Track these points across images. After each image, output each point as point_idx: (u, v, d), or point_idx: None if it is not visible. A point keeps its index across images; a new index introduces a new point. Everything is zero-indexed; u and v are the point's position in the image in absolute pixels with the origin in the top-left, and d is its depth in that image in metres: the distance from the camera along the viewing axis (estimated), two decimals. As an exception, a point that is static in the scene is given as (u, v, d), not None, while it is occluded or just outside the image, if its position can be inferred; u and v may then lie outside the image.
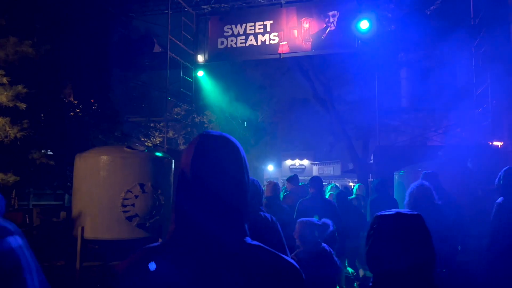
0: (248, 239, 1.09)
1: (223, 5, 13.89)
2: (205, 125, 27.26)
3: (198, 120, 21.78)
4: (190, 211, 1.07)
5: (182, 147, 20.69)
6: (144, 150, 7.14)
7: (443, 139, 10.64)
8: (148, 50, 13.05)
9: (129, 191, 6.44)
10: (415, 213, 1.61)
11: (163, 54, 12.80)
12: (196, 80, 14.61)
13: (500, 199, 3.67)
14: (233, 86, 17.55)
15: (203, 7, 14.07)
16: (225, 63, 15.58)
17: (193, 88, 14.40)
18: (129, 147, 7.05)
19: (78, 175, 6.83)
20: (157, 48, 13.07)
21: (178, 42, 13.17)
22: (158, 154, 7.41)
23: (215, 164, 1.09)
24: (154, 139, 19.62)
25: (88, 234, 6.45)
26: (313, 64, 16.57)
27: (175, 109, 15.70)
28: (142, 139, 15.68)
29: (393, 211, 1.61)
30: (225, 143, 1.13)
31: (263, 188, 5.09)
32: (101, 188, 6.46)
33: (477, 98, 11.37)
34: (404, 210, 1.64)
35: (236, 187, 1.10)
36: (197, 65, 14.34)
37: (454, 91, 10.82)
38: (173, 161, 7.39)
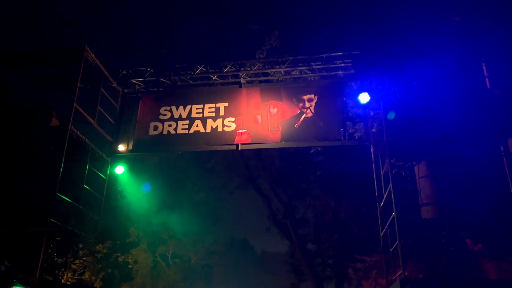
0: None
1: (161, 80, 10.32)
2: (129, 266, 21.35)
3: (121, 260, 16.73)
4: None
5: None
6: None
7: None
8: (40, 124, 8.61)
9: None
10: None
11: (61, 129, 8.40)
12: (111, 178, 10.01)
13: None
14: (163, 198, 12.95)
15: (133, 81, 10.37)
16: (155, 163, 11.33)
17: (105, 189, 9.66)
18: None
19: None
20: (54, 122, 8.69)
21: (88, 117, 8.95)
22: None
23: None
24: (63, 278, 14.87)
25: None
26: (271, 172, 12.76)
27: (97, 246, 11.36)
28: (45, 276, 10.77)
29: None
30: None
31: None
32: None
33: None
34: None
35: None
36: (115, 158, 9.94)
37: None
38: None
